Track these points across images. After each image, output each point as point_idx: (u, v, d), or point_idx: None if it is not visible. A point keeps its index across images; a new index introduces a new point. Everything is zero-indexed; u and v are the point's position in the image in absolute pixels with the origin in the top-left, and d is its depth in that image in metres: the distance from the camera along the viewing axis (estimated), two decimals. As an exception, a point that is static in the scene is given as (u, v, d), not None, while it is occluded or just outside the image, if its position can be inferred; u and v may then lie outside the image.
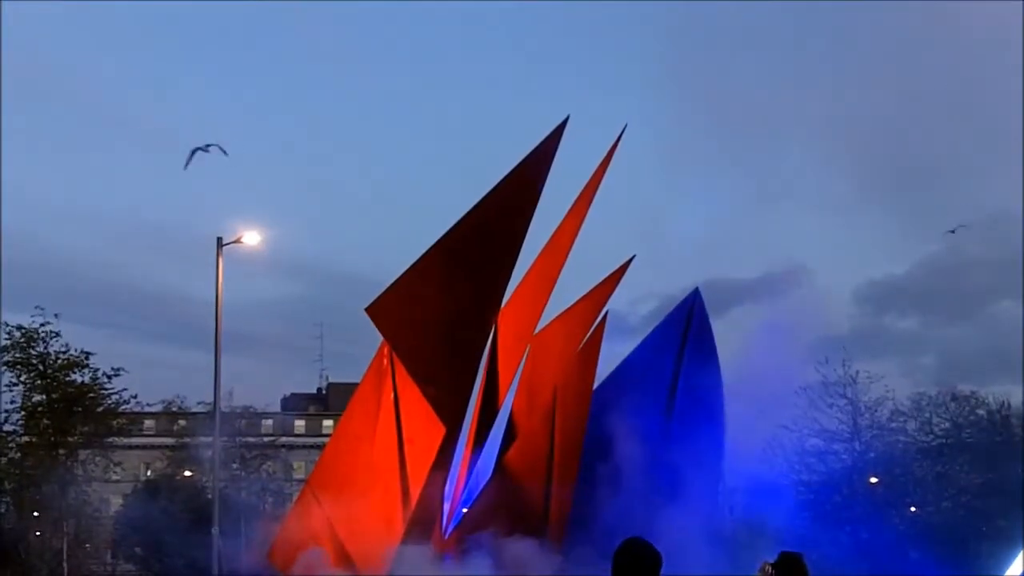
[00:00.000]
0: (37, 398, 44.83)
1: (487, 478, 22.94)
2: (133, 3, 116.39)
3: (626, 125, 23.50)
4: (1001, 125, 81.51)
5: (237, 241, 30.06)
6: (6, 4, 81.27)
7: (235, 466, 53.19)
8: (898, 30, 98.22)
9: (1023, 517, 38.38)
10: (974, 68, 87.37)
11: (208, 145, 29.00)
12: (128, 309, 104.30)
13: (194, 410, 55.80)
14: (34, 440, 45.45)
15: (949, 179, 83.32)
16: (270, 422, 68.49)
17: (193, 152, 28.80)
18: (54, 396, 44.48)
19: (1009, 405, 50.24)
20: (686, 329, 23.68)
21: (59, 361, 44.09)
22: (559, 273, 23.59)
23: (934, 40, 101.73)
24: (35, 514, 46.74)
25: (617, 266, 23.89)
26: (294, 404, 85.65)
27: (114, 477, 50.61)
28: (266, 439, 58.46)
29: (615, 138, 23.46)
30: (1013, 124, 75.19)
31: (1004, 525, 41.88)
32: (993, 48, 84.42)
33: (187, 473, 55.05)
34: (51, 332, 43.55)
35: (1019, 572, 28.50)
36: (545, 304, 23.68)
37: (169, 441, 58.01)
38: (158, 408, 55.34)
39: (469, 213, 22.10)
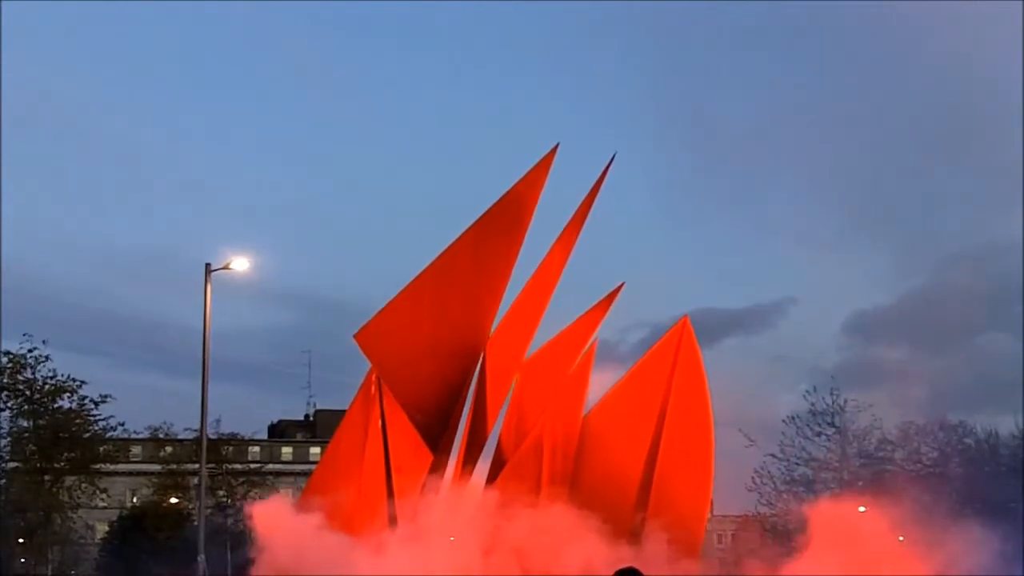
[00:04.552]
0: (23, 424, 44.58)
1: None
2: (117, 27, 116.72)
3: (615, 154, 23.51)
4: (989, 158, 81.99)
5: (225, 267, 29.86)
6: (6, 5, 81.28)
7: (222, 493, 52.90)
8: (885, 64, 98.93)
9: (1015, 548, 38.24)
10: (963, 101, 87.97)
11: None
12: (114, 335, 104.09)
13: (181, 437, 55.52)
14: (20, 466, 45.15)
15: (937, 211, 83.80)
16: (257, 449, 68.20)
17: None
18: (40, 422, 44.21)
19: (997, 434, 50.16)
20: (675, 357, 23.57)
21: (47, 387, 43.82)
22: (548, 300, 23.55)
23: (921, 75, 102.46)
24: (20, 541, 46.43)
25: (606, 293, 23.89)
26: (282, 431, 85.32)
27: (100, 504, 50.30)
28: (253, 466, 58.14)
29: (604, 166, 23.48)
30: (1001, 158, 75.73)
31: (994, 553, 41.73)
32: (982, 81, 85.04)
33: (173, 500, 54.76)
34: (39, 357, 43.32)
35: None
36: (534, 331, 23.64)
37: (155, 468, 57.66)
38: (145, 435, 55.04)
39: (458, 240, 22.10)
